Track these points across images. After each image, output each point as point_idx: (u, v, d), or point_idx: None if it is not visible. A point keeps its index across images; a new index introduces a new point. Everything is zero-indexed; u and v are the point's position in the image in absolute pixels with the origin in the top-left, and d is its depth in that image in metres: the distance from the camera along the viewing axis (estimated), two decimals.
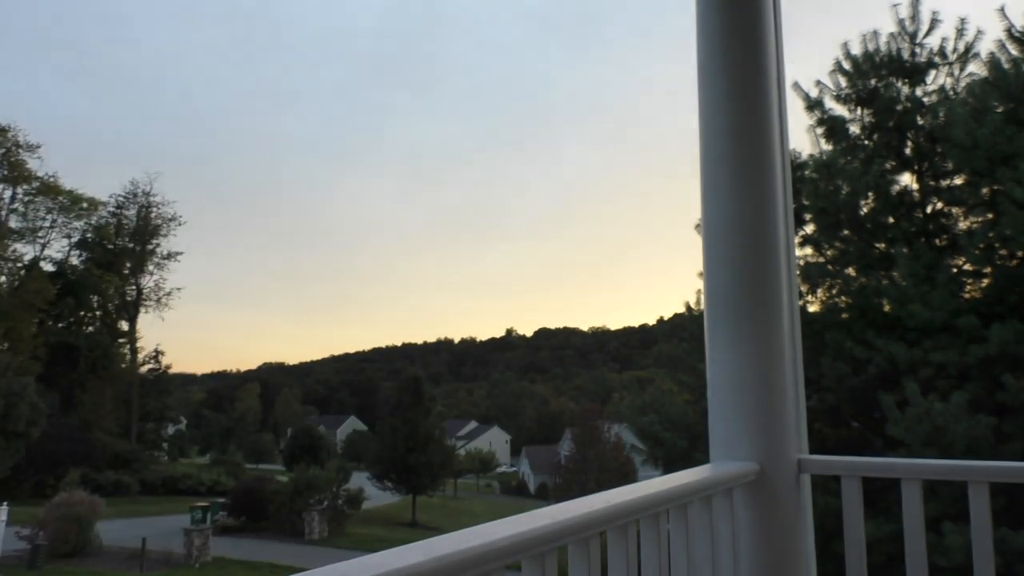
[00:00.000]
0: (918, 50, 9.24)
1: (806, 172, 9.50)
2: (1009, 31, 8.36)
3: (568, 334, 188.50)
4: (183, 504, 32.78)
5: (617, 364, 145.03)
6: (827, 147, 9.72)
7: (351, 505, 32.90)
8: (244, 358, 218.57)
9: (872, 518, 7.00)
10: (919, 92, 9.30)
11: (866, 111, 9.58)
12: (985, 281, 8.30)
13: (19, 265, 46.74)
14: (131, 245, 54.01)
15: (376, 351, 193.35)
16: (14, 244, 46.58)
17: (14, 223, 46.61)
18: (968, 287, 8.39)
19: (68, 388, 44.45)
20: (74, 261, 51.26)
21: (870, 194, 9.00)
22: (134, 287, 53.83)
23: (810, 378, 8.23)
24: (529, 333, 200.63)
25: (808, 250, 9.70)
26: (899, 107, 9.23)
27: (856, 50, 9.60)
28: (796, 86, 9.86)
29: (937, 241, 9.00)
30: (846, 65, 9.64)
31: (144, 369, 54.08)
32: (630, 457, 39.29)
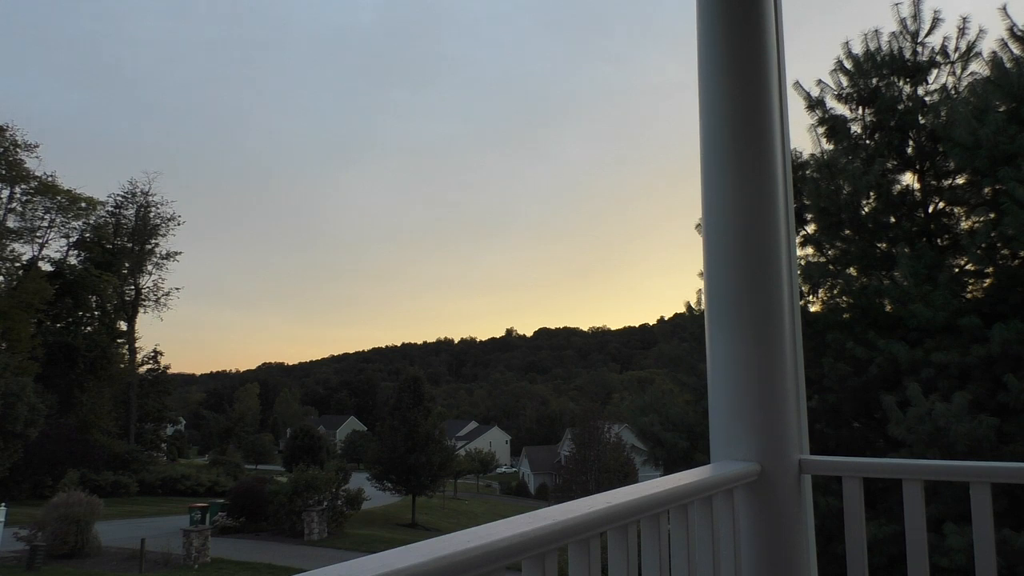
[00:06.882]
0: (920, 49, 9.23)
1: (807, 172, 9.49)
2: (1011, 30, 8.34)
3: (568, 334, 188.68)
4: (182, 505, 32.81)
5: (617, 364, 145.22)
6: (828, 146, 9.71)
7: (350, 506, 32.90)
8: (243, 358, 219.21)
9: (873, 519, 6.98)
10: (921, 91, 9.28)
11: (867, 110, 9.56)
12: (987, 281, 8.28)
13: (17, 265, 46.74)
14: (130, 245, 54.06)
15: (376, 351, 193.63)
16: (12, 244, 46.59)
17: (12, 223, 46.61)
18: (970, 287, 8.38)
19: (66, 388, 44.44)
20: (72, 261, 51.31)
21: (871, 194, 8.98)
22: (133, 287, 53.88)
23: (811, 378, 8.23)
24: (529, 333, 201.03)
25: (809, 250, 9.69)
26: (901, 106, 9.22)
27: (857, 49, 9.59)
28: (797, 85, 9.85)
29: (939, 241, 8.99)
30: (847, 64, 9.63)
31: (143, 369, 54.19)
32: (630, 457, 39.31)
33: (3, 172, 44.83)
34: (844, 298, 9.01)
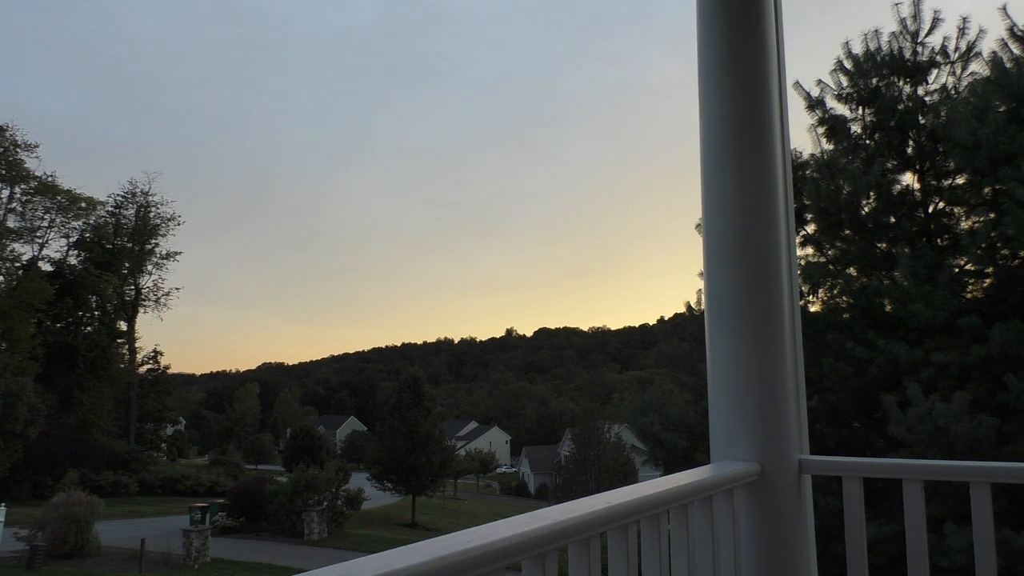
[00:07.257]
0: (920, 49, 9.23)
1: (807, 172, 9.48)
2: (1011, 30, 8.34)
3: (568, 334, 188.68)
4: (182, 505, 32.81)
5: (617, 364, 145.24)
6: (828, 146, 9.71)
7: (350, 506, 32.89)
8: (243, 358, 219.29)
9: (873, 519, 6.98)
10: (921, 91, 9.28)
11: (868, 110, 9.56)
12: (987, 281, 8.28)
13: (17, 265, 46.73)
14: (130, 245, 54.05)
15: (376, 351, 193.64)
16: (12, 244, 46.58)
17: (12, 223, 46.60)
18: (970, 287, 8.37)
19: (66, 388, 44.42)
20: (72, 261, 51.31)
21: (871, 194, 8.98)
22: (133, 287, 53.87)
23: (811, 378, 8.23)
24: (529, 333, 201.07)
25: (809, 250, 9.69)
26: (901, 106, 9.22)
27: (857, 49, 9.59)
28: (797, 85, 9.85)
29: (939, 241, 8.99)
30: (847, 64, 9.63)
31: (143, 369, 54.20)
32: (630, 457, 39.30)
33: (3, 172, 44.82)
34: (844, 298, 9.01)
